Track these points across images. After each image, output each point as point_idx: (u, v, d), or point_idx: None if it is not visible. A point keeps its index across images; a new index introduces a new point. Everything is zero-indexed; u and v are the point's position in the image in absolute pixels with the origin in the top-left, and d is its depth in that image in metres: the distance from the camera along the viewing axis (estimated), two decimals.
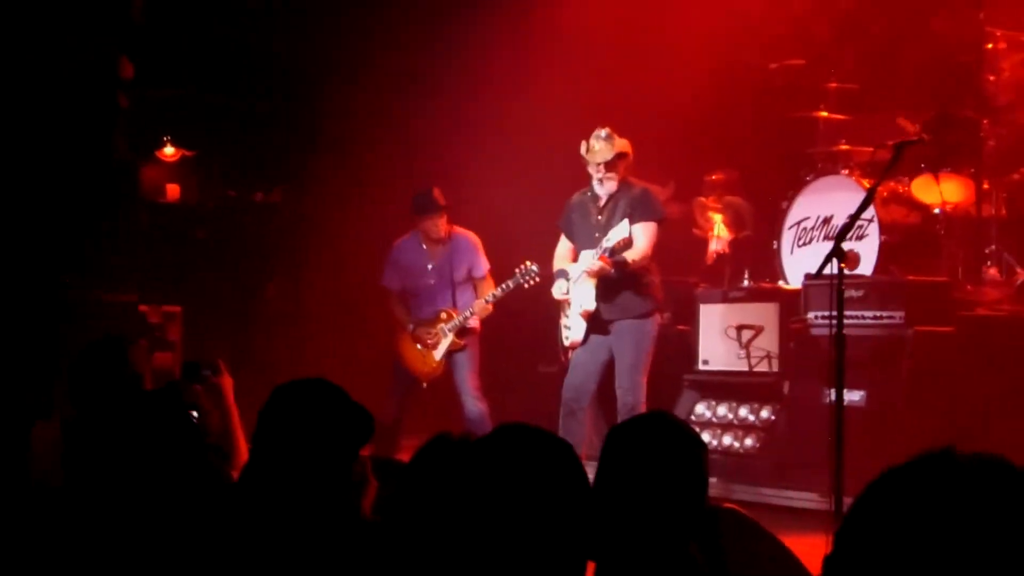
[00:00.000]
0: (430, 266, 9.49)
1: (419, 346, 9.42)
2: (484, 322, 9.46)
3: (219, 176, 12.44)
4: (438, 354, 9.37)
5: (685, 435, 3.34)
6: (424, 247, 9.53)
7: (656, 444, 3.27)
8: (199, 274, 11.99)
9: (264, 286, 12.45)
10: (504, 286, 9.20)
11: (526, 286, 9.10)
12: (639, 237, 8.23)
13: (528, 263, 9.08)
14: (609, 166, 8.29)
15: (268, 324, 12.22)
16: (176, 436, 3.38)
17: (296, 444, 3.51)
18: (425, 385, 9.47)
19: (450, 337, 9.34)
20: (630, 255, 8.20)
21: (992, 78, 8.87)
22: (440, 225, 9.41)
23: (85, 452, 3.39)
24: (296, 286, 12.45)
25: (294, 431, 3.53)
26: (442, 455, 3.30)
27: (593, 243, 8.31)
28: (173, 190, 12.48)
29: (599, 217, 8.39)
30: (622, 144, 8.35)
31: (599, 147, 8.29)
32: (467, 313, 9.32)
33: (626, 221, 8.13)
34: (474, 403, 9.30)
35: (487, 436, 2.99)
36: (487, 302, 9.30)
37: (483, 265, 9.48)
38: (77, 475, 3.42)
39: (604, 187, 8.37)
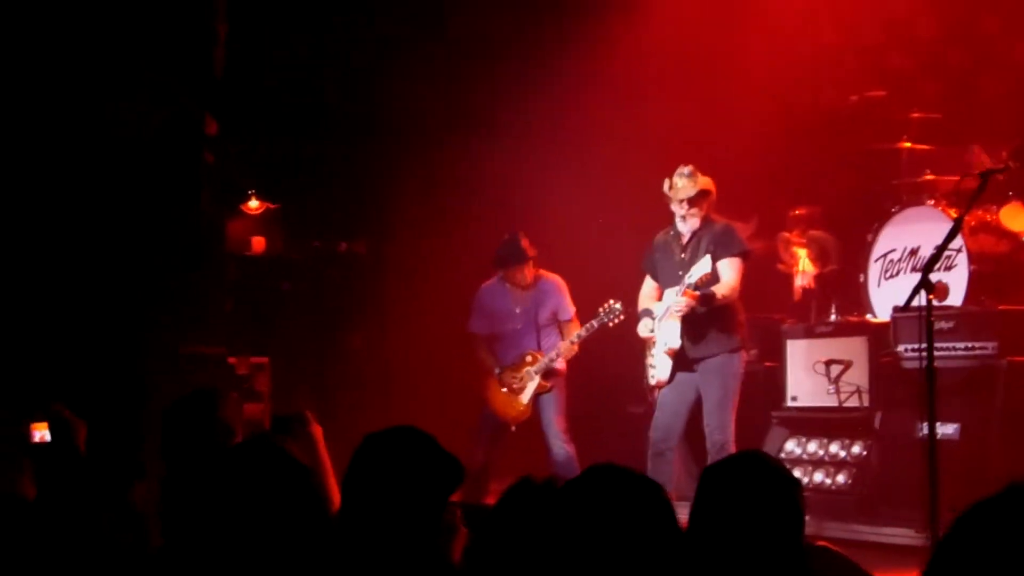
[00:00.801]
0: (517, 310, 9.51)
1: (505, 390, 9.43)
2: (570, 364, 9.45)
3: (303, 227, 12.56)
4: (525, 397, 9.37)
5: (780, 474, 3.31)
6: (509, 291, 9.56)
7: (751, 484, 3.24)
8: (286, 325, 12.10)
9: (350, 336, 12.53)
10: (589, 326, 9.20)
11: (611, 325, 9.09)
12: (725, 272, 8.19)
13: (612, 302, 9.07)
14: (692, 203, 8.27)
15: (355, 374, 12.28)
16: (274, 485, 3.37)
17: (387, 492, 3.51)
18: (513, 428, 9.46)
19: (536, 380, 9.34)
20: (718, 290, 8.17)
21: None
22: (527, 273, 9.45)
23: (182, 509, 3.39)
24: (382, 335, 12.51)
25: (385, 479, 3.54)
26: (527, 499, 3.29)
27: (677, 281, 8.29)
28: (259, 243, 12.63)
29: (683, 255, 8.36)
30: (705, 181, 8.33)
31: (682, 184, 8.28)
32: (552, 355, 9.32)
33: (708, 256, 8.10)
34: (561, 445, 9.28)
35: (577, 478, 2.98)
36: (572, 343, 9.30)
37: (569, 308, 9.49)
38: (177, 533, 3.42)
39: (687, 224, 8.35)
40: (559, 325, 9.49)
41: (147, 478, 5.13)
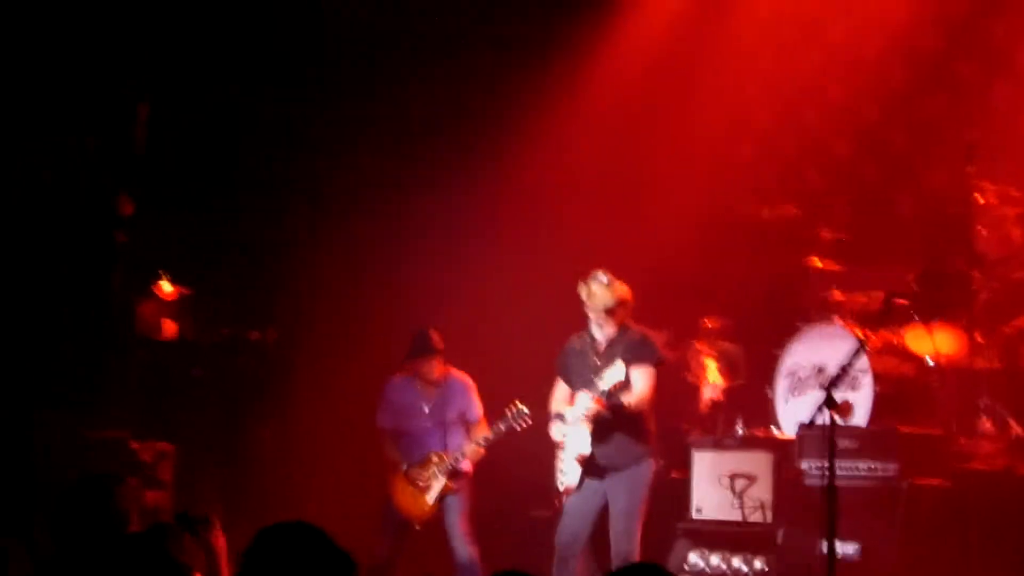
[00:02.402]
0: (424, 408, 9.47)
1: (412, 488, 9.35)
2: (477, 466, 9.40)
3: (216, 313, 12.44)
4: (431, 497, 9.30)
5: None
6: (418, 387, 9.52)
7: None
8: (194, 412, 11.93)
9: (258, 426, 12.38)
10: (496, 428, 9.16)
11: (517, 428, 9.05)
12: (637, 381, 8.21)
13: (518, 404, 9.04)
14: (609, 312, 8.31)
15: (262, 465, 12.12)
16: None
17: None
18: (418, 528, 9.38)
19: (443, 480, 9.28)
20: (628, 398, 8.18)
21: (983, 231, 8.95)
22: (435, 367, 9.43)
23: None
24: (290, 426, 12.38)
25: (276, 575, 3.50)
26: None
27: (590, 386, 8.28)
28: (170, 327, 12.48)
29: (597, 361, 8.38)
30: (622, 291, 8.38)
31: (600, 293, 8.31)
32: (458, 455, 9.28)
33: (621, 364, 8.11)
34: (464, 547, 9.21)
35: None
36: (479, 445, 9.26)
37: (476, 409, 9.46)
38: None
39: (603, 332, 8.39)
40: (466, 425, 9.45)
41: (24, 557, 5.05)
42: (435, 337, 9.41)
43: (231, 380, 12.17)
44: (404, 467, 9.40)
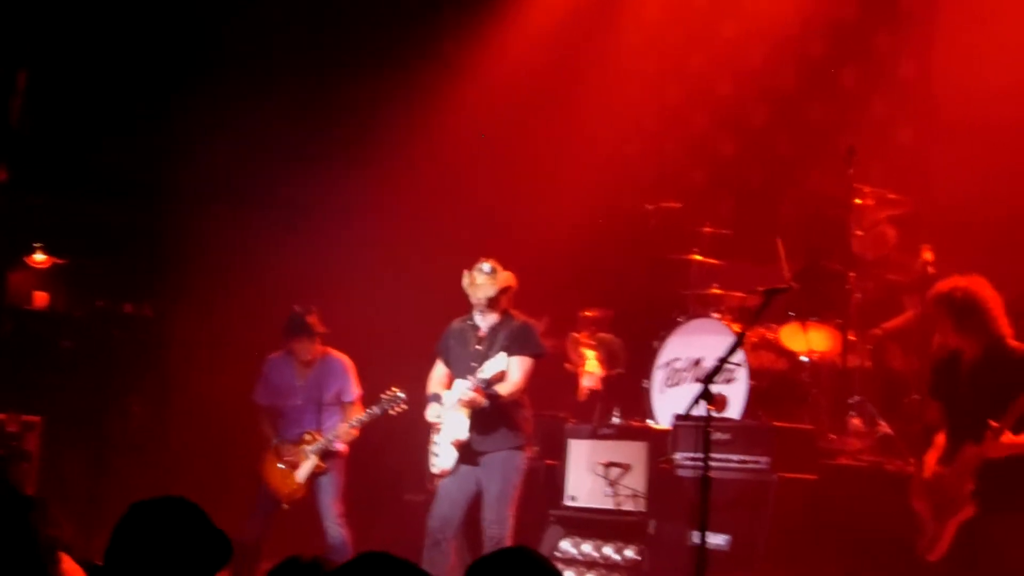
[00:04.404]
0: (299, 385, 9.43)
1: (282, 465, 9.30)
2: (351, 447, 9.36)
3: (90, 286, 12.22)
4: (300, 475, 9.26)
5: (546, 571, 3.32)
6: (294, 366, 9.47)
7: None
8: (63, 385, 11.72)
9: (129, 399, 12.19)
10: (370, 411, 9.15)
11: (392, 413, 9.06)
12: (514, 370, 8.24)
13: (395, 389, 9.04)
14: (491, 302, 8.33)
15: (131, 439, 11.96)
16: None
17: (150, 564, 3.41)
18: (286, 507, 9.31)
19: (313, 459, 9.24)
20: (502, 388, 8.21)
21: (860, 233, 9.12)
22: (310, 349, 9.38)
23: None
24: (163, 400, 12.23)
25: (148, 551, 3.45)
26: None
27: (470, 371, 8.30)
28: (41, 297, 12.24)
29: (478, 347, 8.39)
30: (505, 278, 8.40)
31: (482, 281, 8.32)
32: (331, 436, 9.24)
33: (503, 354, 8.15)
34: (336, 529, 9.18)
35: (346, 564, 2.94)
36: (352, 427, 9.24)
37: (353, 390, 9.42)
38: None
39: (485, 319, 8.41)
40: (343, 406, 9.41)
41: None
42: (312, 319, 9.35)
43: (103, 353, 11.99)
44: (275, 441, 9.35)
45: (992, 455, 6.89)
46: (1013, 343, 7.10)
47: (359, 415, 9.24)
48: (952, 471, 7.04)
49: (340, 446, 9.30)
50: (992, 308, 7.11)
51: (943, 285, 7.30)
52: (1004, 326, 7.12)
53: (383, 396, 9.09)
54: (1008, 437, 6.86)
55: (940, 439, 7.25)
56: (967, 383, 7.15)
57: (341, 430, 9.25)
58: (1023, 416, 6.82)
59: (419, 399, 8.71)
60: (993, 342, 7.09)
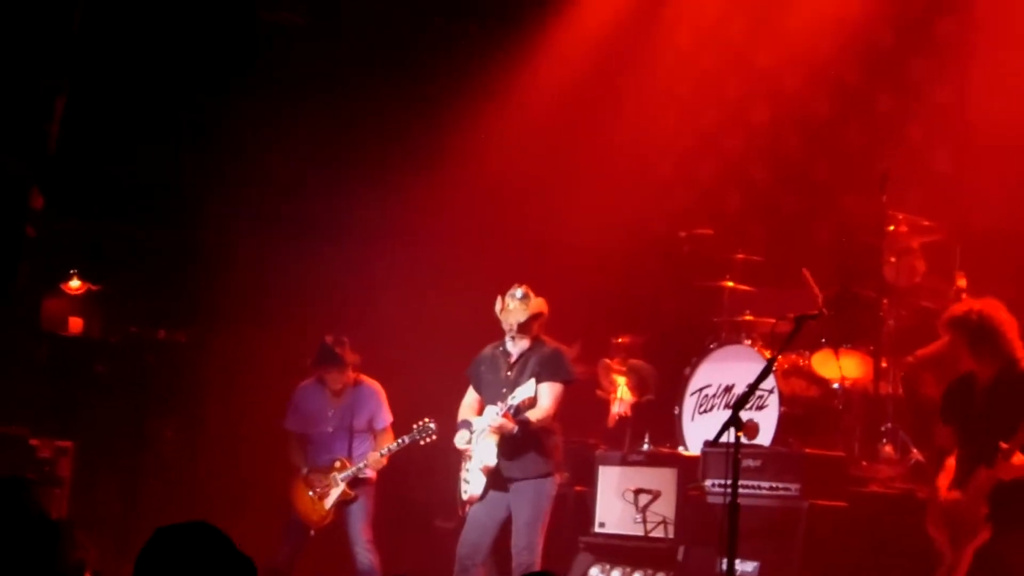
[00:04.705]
0: (330, 413, 9.44)
1: (311, 493, 9.31)
2: (382, 474, 9.37)
3: (124, 312, 12.29)
4: (328, 503, 9.27)
5: None
6: (325, 393, 9.49)
7: None
8: (97, 410, 11.78)
9: (162, 425, 12.24)
10: (400, 441, 9.17)
11: (422, 443, 9.09)
12: (544, 397, 8.23)
13: (426, 420, 9.07)
14: (522, 327, 8.34)
15: (164, 465, 12.00)
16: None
17: None
18: (313, 533, 9.33)
19: (341, 487, 9.25)
20: (533, 415, 8.21)
21: (893, 259, 9.07)
22: (340, 378, 9.40)
23: None
24: (195, 427, 12.26)
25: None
26: None
27: (500, 398, 8.30)
28: (76, 323, 12.31)
29: (509, 373, 8.39)
30: (537, 304, 8.40)
31: (514, 307, 8.34)
32: (361, 464, 9.25)
33: (533, 381, 8.15)
34: (365, 555, 9.19)
35: None
36: (382, 455, 9.25)
37: (385, 417, 9.44)
38: None
39: (516, 345, 8.41)
40: (374, 433, 9.43)
41: None
42: (342, 348, 9.36)
43: (137, 379, 12.04)
44: (305, 471, 9.36)
45: (1004, 477, 6.85)
46: None
47: (390, 443, 9.25)
48: (967, 496, 7.00)
49: (370, 473, 9.31)
50: (1007, 331, 7.08)
51: (958, 308, 7.28)
52: (1018, 349, 7.08)
53: (415, 426, 9.12)
54: (1019, 458, 6.81)
55: (950, 462, 7.22)
56: (981, 406, 7.12)
57: (371, 458, 9.26)
58: None
59: (451, 425, 8.71)
60: (1007, 365, 7.06)
